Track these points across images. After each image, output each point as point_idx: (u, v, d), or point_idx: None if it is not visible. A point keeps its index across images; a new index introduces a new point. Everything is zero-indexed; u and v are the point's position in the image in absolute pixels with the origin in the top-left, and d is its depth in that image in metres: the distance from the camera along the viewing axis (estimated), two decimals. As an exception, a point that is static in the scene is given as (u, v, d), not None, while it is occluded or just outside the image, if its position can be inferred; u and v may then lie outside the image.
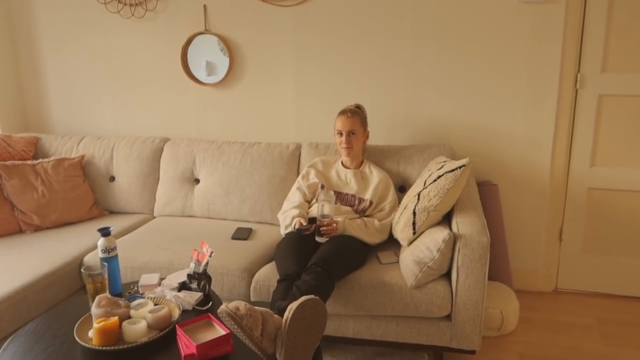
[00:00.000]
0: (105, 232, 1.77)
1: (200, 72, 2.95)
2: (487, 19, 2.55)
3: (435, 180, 2.06)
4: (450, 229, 2.00)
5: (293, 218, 2.25)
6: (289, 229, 2.25)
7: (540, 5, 2.48)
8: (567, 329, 2.45)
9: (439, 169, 2.11)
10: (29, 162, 2.67)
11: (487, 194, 2.61)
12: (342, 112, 2.37)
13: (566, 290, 2.83)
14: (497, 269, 2.62)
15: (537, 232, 2.75)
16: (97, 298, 1.55)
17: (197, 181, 2.76)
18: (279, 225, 2.39)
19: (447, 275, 1.99)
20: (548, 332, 2.42)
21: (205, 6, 2.84)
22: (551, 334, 2.40)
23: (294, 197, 2.41)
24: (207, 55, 2.91)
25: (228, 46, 2.85)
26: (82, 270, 1.73)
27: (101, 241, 1.76)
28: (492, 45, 2.58)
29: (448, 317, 1.97)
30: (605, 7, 2.46)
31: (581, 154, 2.65)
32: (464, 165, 2.01)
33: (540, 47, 2.53)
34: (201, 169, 2.74)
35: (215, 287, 2.11)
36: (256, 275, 2.11)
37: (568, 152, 2.66)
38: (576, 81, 2.57)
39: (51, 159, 2.74)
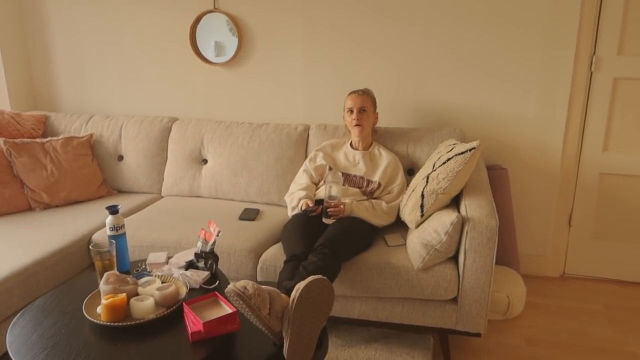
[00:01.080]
0: (113, 210, 1.77)
1: (208, 52, 2.93)
2: (500, 6, 2.50)
3: (444, 163, 2.04)
4: (459, 212, 1.99)
5: (300, 200, 2.25)
6: (296, 211, 2.25)
7: (556, -15, 2.43)
8: (574, 314, 2.45)
9: (449, 152, 2.09)
10: (38, 140, 2.68)
11: (496, 178, 2.59)
12: (353, 91, 2.36)
13: (574, 275, 2.82)
14: (505, 253, 2.61)
15: (547, 217, 2.73)
16: (105, 275, 1.56)
17: (205, 161, 2.76)
18: (286, 207, 2.39)
19: (455, 258, 1.98)
20: (555, 317, 2.41)
21: (214, -16, 2.81)
22: (558, 319, 2.40)
23: (300, 179, 2.41)
24: (216, 35, 2.89)
25: (237, 25, 2.82)
26: (90, 247, 1.74)
27: (109, 219, 1.76)
28: (506, 27, 2.53)
29: (454, 299, 1.97)
30: (624, -12, 2.41)
31: (594, 139, 2.61)
32: (474, 148, 1.99)
33: (555, 29, 2.48)
34: (209, 149, 2.74)
35: (222, 267, 2.12)
36: (263, 256, 2.11)
37: (580, 136, 2.63)
38: (591, 64, 2.53)
39: (60, 137, 2.75)
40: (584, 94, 2.57)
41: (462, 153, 2.00)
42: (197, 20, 2.87)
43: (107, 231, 1.77)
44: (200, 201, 2.68)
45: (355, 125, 2.32)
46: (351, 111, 2.33)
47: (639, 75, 2.49)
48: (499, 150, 2.68)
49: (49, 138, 2.74)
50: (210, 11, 2.84)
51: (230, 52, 2.88)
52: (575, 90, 2.56)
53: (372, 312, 2.04)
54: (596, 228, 2.72)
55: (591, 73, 2.55)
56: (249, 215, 2.44)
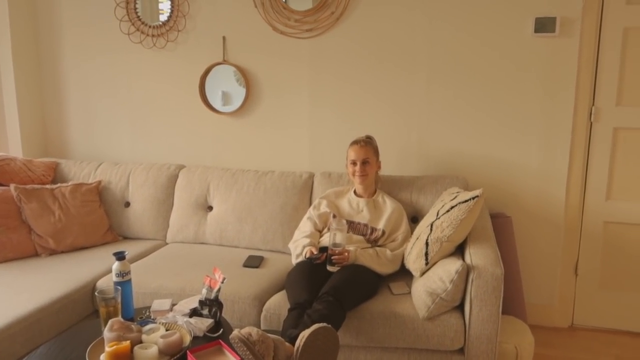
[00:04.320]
0: (120, 256, 1.80)
1: (216, 102, 3.02)
2: (500, 52, 2.61)
3: (448, 211, 2.07)
4: (464, 260, 2.00)
5: (304, 247, 2.26)
6: (300, 258, 2.26)
7: (554, 39, 2.53)
8: (584, 366, 2.40)
9: (452, 200, 2.12)
10: (47, 186, 2.74)
11: (500, 226, 2.60)
12: (355, 142, 2.41)
13: (583, 326, 2.78)
14: (511, 303, 2.59)
15: (552, 266, 2.73)
16: (109, 322, 1.57)
17: (211, 208, 2.80)
18: (290, 254, 2.40)
19: (460, 308, 1.97)
20: (564, 370, 2.37)
21: (224, 38, 2.93)
22: (568, 372, 2.35)
23: (304, 226, 2.43)
24: (224, 85, 2.99)
25: (245, 76, 2.93)
26: (95, 293, 1.76)
27: (116, 265, 1.78)
28: (506, 78, 2.62)
29: (461, 350, 1.95)
30: (620, 40, 2.50)
31: (596, 187, 2.64)
32: (477, 196, 2.02)
33: (554, 80, 2.57)
34: (215, 196, 2.77)
35: (226, 314, 2.11)
36: (267, 304, 2.11)
37: (583, 185, 2.66)
38: (591, 114, 2.59)
39: (69, 183, 2.81)
40: (585, 143, 2.62)
41: (466, 201, 2.03)
42: (207, 71, 2.98)
43: (113, 277, 1.79)
44: (205, 248, 2.69)
45: (359, 176, 2.36)
46: (354, 163, 2.38)
47: (639, 126, 2.55)
48: (502, 198, 2.71)
49: (58, 184, 2.79)
50: (219, 63, 2.96)
51: (237, 101, 2.98)
52: (576, 140, 2.61)
53: (377, 362, 2.01)
54: (603, 277, 2.71)
55: (591, 123, 2.61)
56: (253, 262, 2.44)
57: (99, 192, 2.89)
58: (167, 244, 2.84)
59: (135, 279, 2.26)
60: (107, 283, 2.26)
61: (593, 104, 2.58)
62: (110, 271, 2.37)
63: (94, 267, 2.42)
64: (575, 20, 2.49)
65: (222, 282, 1.81)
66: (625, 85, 2.54)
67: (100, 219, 2.80)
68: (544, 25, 2.51)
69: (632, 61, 2.51)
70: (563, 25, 2.50)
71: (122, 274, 1.79)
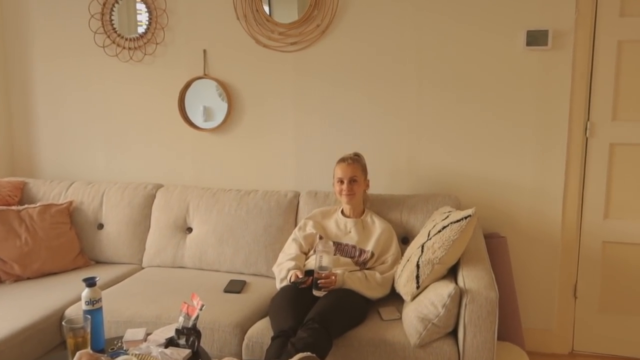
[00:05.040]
0: (90, 282, 1.77)
1: (197, 117, 3.02)
2: (492, 67, 2.64)
3: (439, 231, 2.07)
4: (456, 283, 1.99)
5: (288, 270, 2.25)
6: (285, 283, 2.24)
7: (546, 52, 2.57)
8: (585, 395, 2.38)
9: (444, 220, 2.12)
10: (14, 207, 2.70)
11: (495, 247, 2.60)
12: (342, 160, 2.41)
13: (584, 352, 2.77)
14: (508, 328, 2.57)
15: (550, 289, 2.73)
16: (77, 354, 1.53)
17: (190, 230, 2.77)
18: (274, 278, 2.38)
19: (454, 334, 1.96)
20: (565, 399, 2.35)
21: (205, 51, 2.94)
22: (568, 401, 2.33)
23: (289, 249, 2.41)
24: (205, 100, 2.99)
25: (227, 91, 2.93)
26: (63, 323, 1.72)
27: (86, 292, 1.75)
28: (498, 93, 2.65)
29: (455, 380, 1.93)
30: (615, 53, 2.54)
31: (594, 205, 2.66)
32: (469, 216, 2.03)
33: (547, 95, 2.60)
34: (194, 217, 2.75)
35: (204, 344, 2.08)
36: (249, 332, 2.08)
37: (580, 203, 2.68)
38: (586, 129, 2.63)
39: (37, 204, 2.77)
40: (581, 160, 2.65)
41: (458, 221, 2.04)
42: (187, 85, 2.98)
43: (83, 305, 1.76)
44: (184, 272, 2.67)
45: (346, 195, 2.36)
46: (341, 181, 2.38)
47: (636, 141, 2.58)
48: (496, 217, 2.72)
49: (25, 205, 2.75)
50: (200, 77, 2.96)
51: (219, 117, 2.97)
52: (571, 156, 2.64)
53: (366, 394, 1.98)
54: (603, 300, 2.71)
55: (586, 139, 2.64)
56: (235, 287, 2.42)
57: (70, 214, 2.84)
58: (142, 268, 2.81)
59: (107, 307, 2.20)
60: (76, 311, 2.21)
61: (588, 119, 2.62)
62: (80, 299, 2.32)
63: (63, 295, 2.37)
64: (567, 33, 2.54)
65: (201, 309, 1.78)
66: (620, 99, 2.58)
67: (71, 242, 2.75)
68: (535, 38, 2.55)
69: (627, 75, 2.56)
70: (555, 38, 2.54)
71: (93, 301, 1.76)
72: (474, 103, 2.68)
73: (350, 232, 2.39)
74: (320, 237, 2.39)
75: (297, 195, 2.72)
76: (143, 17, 2.99)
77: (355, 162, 2.40)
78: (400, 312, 2.12)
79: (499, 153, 2.69)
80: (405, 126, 2.78)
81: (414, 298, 2.04)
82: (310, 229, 2.43)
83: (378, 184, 2.76)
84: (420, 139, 2.77)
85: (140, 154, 3.14)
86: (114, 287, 2.47)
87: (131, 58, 3.04)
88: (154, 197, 2.88)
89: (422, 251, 2.06)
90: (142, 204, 2.85)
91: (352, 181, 2.36)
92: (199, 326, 1.81)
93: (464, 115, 2.70)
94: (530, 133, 2.64)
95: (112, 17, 3.02)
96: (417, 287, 2.02)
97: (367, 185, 2.48)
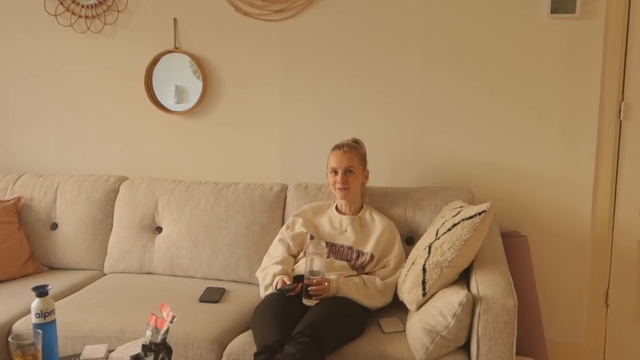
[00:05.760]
0: (41, 291, 1.76)
1: (167, 99, 3.01)
2: (511, 38, 2.64)
3: (449, 230, 2.07)
4: (469, 289, 2.00)
5: (274, 276, 2.25)
6: (270, 290, 2.24)
7: (574, 21, 2.56)
8: (618, 417, 2.40)
9: (455, 216, 2.13)
10: (-48, 205, 2.68)
11: (514, 247, 2.61)
12: (337, 147, 2.41)
13: (616, 368, 2.80)
14: (528, 341, 2.59)
15: (578, 296, 2.75)
16: (26, 374, 1.53)
17: (159, 230, 2.77)
18: (258, 285, 2.38)
19: (466, 348, 1.97)
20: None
21: (175, 20, 2.93)
22: None
23: (275, 250, 2.41)
24: (177, 78, 2.98)
25: (202, 68, 2.92)
26: (9, 339, 1.71)
27: (36, 303, 1.75)
28: (518, 69, 2.65)
29: (467, 401, 1.94)
30: (653, 23, 2.55)
31: (629, 199, 2.68)
32: (484, 211, 2.03)
33: (575, 72, 2.60)
34: (164, 215, 2.75)
35: (176, 362, 2.08)
36: (228, 347, 2.09)
37: (613, 196, 2.69)
38: (620, 111, 2.63)
39: (-20, 201, 2.76)
40: (614, 145, 2.66)
41: (471, 217, 2.04)
42: (155, 61, 2.97)
43: (33, 318, 1.76)
44: (152, 279, 2.67)
45: (340, 189, 2.36)
46: (335, 172, 2.38)
47: (676, 124, 2.60)
48: (515, 213, 2.73)
49: (-34, 202, 2.74)
50: (170, 51, 2.95)
51: (193, 98, 2.96)
52: (603, 142, 2.64)
53: (365, 418, 1.99)
54: (639, 308, 2.73)
55: (620, 122, 2.65)
56: (212, 296, 2.42)
57: (18, 212, 2.84)
58: (104, 274, 2.81)
59: (61, 320, 2.19)
60: (25, 325, 2.21)
61: (622, 99, 2.63)
62: (29, 311, 2.31)
63: (10, 307, 2.36)
64: (599, -2, 2.54)
65: (172, 322, 1.78)
66: (660, 76, 2.59)
67: (19, 244, 2.74)
68: (562, 4, 2.54)
69: (667, 47, 2.56)
70: (585, 4, 2.54)
71: (44, 313, 1.75)
72: (490, 81, 2.68)
73: (346, 231, 2.39)
74: (312, 237, 2.38)
75: (284, 189, 2.72)
76: (102, -20, 2.97)
77: (352, 150, 2.40)
78: (404, 324, 2.12)
79: (518, 138, 2.69)
80: (410, 110, 2.78)
81: (419, 307, 2.04)
82: (299, 227, 2.43)
83: (379, 176, 2.75)
84: (426, 125, 2.77)
85: (101, 141, 3.12)
86: (70, 297, 2.47)
87: (88, 29, 3.01)
88: (117, 191, 2.87)
89: (429, 253, 2.07)
90: (103, 199, 2.84)
91: (347, 172, 2.36)
92: (170, 341, 1.81)
93: (477, 96, 2.70)
94: (555, 115, 2.65)
95: (66, -20, 3.00)
96: (424, 294, 2.02)
97: (366, 177, 2.48)
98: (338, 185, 2.37)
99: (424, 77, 2.74)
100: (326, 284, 2.13)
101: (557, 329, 2.79)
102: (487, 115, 2.71)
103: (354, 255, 2.33)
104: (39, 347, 1.66)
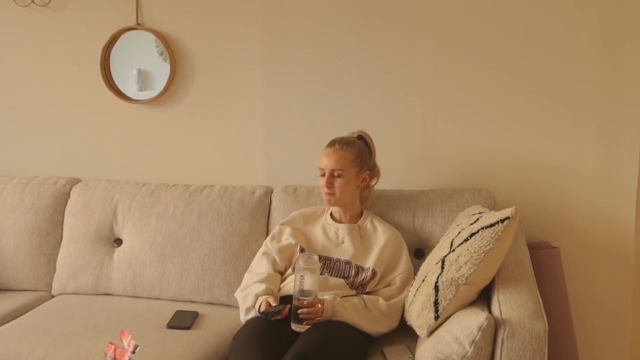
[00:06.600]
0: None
1: (128, 85, 3.01)
2: (536, 19, 2.65)
3: (466, 240, 2.07)
4: (490, 311, 2.00)
5: (257, 296, 2.24)
6: (252, 314, 2.24)
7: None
8: None
9: (472, 224, 2.13)
10: None
11: (543, 261, 2.62)
12: (330, 143, 2.42)
13: (665, 405, 2.81)
14: (562, 372, 2.60)
15: (619, 317, 2.75)
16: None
17: (119, 242, 2.77)
18: (237, 308, 2.38)
19: (487, 381, 1.97)
20: None
21: (137, -9, 2.94)
22: None
23: (258, 266, 2.41)
24: (139, 60, 2.99)
25: (169, 48, 2.91)
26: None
27: (-31, 329, 1.73)
28: (545, 55, 2.66)
29: None
30: None
31: (680, 203, 2.69)
32: (508, 218, 2.03)
33: (614, 55, 2.61)
34: (125, 224, 2.75)
35: (140, 400, 2.07)
36: (202, 383, 2.08)
37: (660, 201, 2.71)
38: (669, 101, 2.65)
39: None
40: (661, 141, 2.67)
41: (492, 225, 2.04)
42: (113, 40, 2.96)
43: (-35, 348, 1.74)
44: (110, 301, 2.67)
45: (325, 194, 2.38)
46: (323, 173, 2.39)
47: None
48: (544, 220, 2.74)
49: None
50: (131, 28, 2.94)
51: (159, 84, 2.96)
52: (649, 136, 2.66)
53: None
54: (692, 333, 2.75)
55: (670, 110, 2.66)
56: (183, 321, 2.42)
57: (-52, 221, 2.82)
58: (53, 296, 2.81)
59: (1, 351, 2.20)
60: (-43, 357, 2.20)
61: (671, 85, 2.64)
62: (-37, 339, 2.31)
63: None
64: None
65: (134, 352, 1.77)
66: None
67: (-50, 260, 2.73)
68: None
69: None
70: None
71: (-20, 342, 1.73)
72: (510, 69, 2.69)
73: (342, 242, 2.39)
74: (302, 250, 2.38)
75: (268, 192, 2.73)
76: (50, -57, 2.97)
77: (346, 147, 2.39)
78: (413, 353, 2.12)
79: (547, 132, 2.70)
80: (418, 101, 2.78)
81: (431, 333, 2.04)
82: (287, 238, 2.42)
83: (383, 177, 2.75)
84: (438, 117, 2.78)
85: (48, 136, 3.12)
86: (10, 324, 2.45)
87: (32, 1, 3.01)
88: (67, 196, 2.87)
89: (442, 268, 2.06)
90: (50, 206, 2.84)
91: (334, 175, 2.36)
92: (132, 375, 1.80)
93: (497, 85, 2.71)
94: (591, 108, 2.66)
95: (6, -57, 3.00)
96: (436, 318, 2.02)
97: (364, 181, 2.47)
98: (323, 190, 2.38)
99: (435, 63, 2.75)
100: (319, 305, 2.12)
101: (595, 356, 2.79)
102: (510, 106, 2.72)
103: (353, 272, 2.33)
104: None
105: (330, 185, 2.36)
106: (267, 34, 2.86)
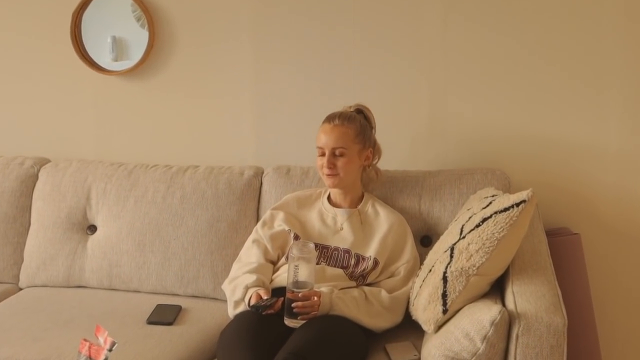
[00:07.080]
0: None
1: (102, 54, 3.00)
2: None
3: (478, 226, 2.07)
4: (504, 304, 2.01)
5: (247, 288, 2.25)
6: (241, 307, 2.25)
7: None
8: None
9: (485, 208, 2.13)
10: None
11: (562, 249, 2.63)
12: (328, 119, 2.41)
13: (695, 406, 2.83)
14: (582, 371, 2.62)
15: (646, 311, 2.78)
16: None
17: (93, 229, 2.78)
18: (225, 301, 2.38)
19: (500, 381, 1.98)
20: None
21: (110, -51, 2.91)
22: None
23: (249, 255, 2.41)
24: (114, 27, 2.98)
25: (147, 13, 2.90)
26: None
27: None
28: (565, 24, 2.66)
29: None
30: None
31: None
32: (523, 202, 2.03)
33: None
34: (100, 209, 2.75)
35: (118, 403, 2.08)
36: (186, 383, 2.10)
37: (693, 182, 2.72)
38: (700, 70, 2.65)
39: None
40: (693, 115, 2.67)
41: (506, 210, 2.04)
42: (84, 4, 2.94)
43: None
44: (84, 294, 2.67)
45: (327, 175, 2.36)
46: (322, 152, 2.38)
47: None
48: (564, 204, 2.75)
49: None
50: (104, -10, 2.93)
51: (136, 54, 2.95)
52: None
53: None
54: None
55: (702, 84, 2.66)
56: (164, 316, 2.42)
57: None
58: (20, 289, 2.81)
59: (-36, 348, 2.21)
60: None
61: None
62: None
63: None
64: None
65: (111, 350, 1.77)
66: None
67: None
68: None
69: None
70: None
71: (-60, 339, 1.74)
72: (528, 37, 2.68)
73: (341, 229, 2.39)
74: (296, 237, 2.39)
75: (258, 173, 2.73)
76: None
77: (347, 123, 2.38)
78: (419, 350, 2.13)
79: (568, 109, 2.70)
80: (425, 73, 2.78)
81: (439, 328, 2.05)
82: (280, 224, 2.42)
83: (386, 156, 2.75)
84: (447, 91, 2.78)
85: (13, 112, 3.11)
86: (-25, 319, 2.46)
87: (-6, -40, 2.99)
88: (35, 178, 2.87)
89: (451, 257, 2.07)
90: (16, 189, 2.84)
91: (336, 154, 2.35)
92: (108, 375, 1.81)
93: (511, 56, 2.71)
94: (617, 80, 2.66)
95: None
96: (444, 311, 2.02)
97: (367, 160, 2.47)
98: (325, 170, 2.36)
99: (444, 32, 2.74)
100: (315, 298, 2.13)
101: (619, 353, 2.81)
102: (526, 79, 2.72)
103: (352, 261, 2.33)
104: None
105: (332, 165, 2.34)
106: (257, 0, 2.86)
